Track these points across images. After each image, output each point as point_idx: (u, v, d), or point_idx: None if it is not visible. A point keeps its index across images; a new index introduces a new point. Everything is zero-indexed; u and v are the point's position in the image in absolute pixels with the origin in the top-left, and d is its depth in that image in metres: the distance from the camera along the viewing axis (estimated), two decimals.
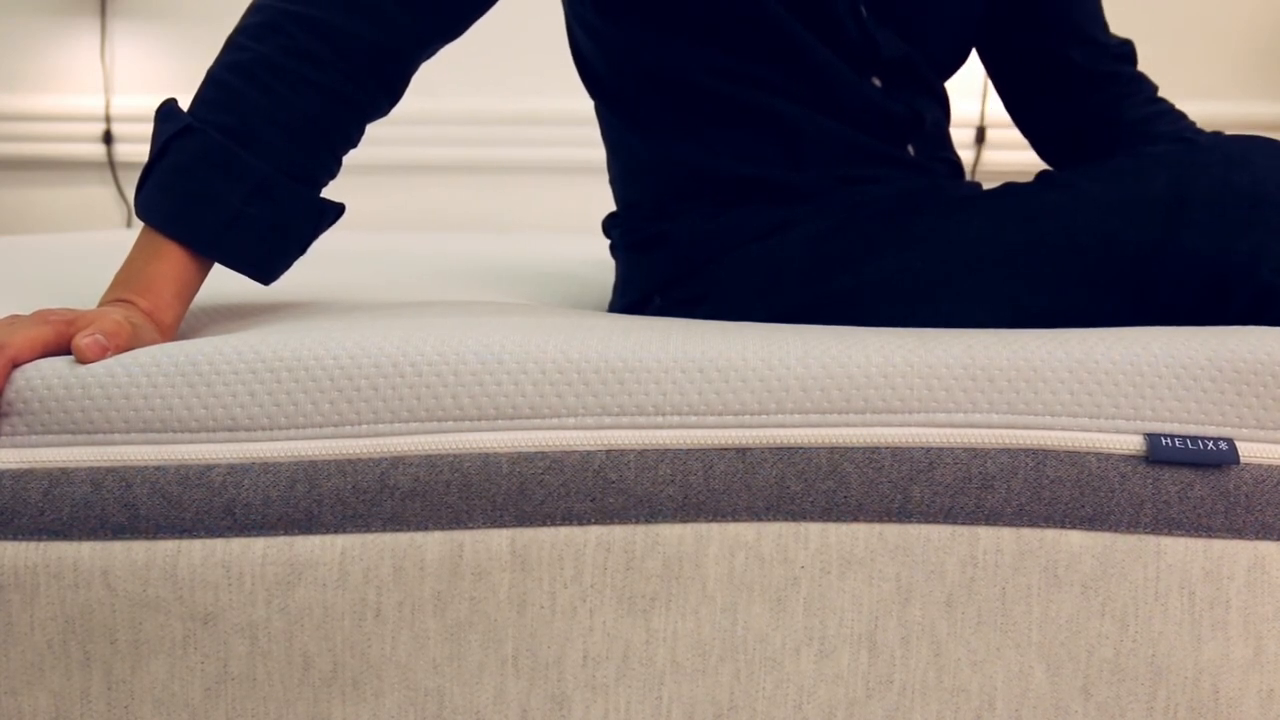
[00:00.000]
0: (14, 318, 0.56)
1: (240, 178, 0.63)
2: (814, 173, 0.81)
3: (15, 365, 0.53)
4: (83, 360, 0.54)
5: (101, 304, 0.62)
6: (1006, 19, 0.93)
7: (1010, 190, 0.75)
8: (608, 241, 0.95)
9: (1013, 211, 0.72)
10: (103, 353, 0.54)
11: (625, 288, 0.90)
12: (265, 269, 0.66)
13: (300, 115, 0.66)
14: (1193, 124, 0.94)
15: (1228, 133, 0.92)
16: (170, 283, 0.62)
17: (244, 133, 0.64)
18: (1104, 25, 0.95)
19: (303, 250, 0.68)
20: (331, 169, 0.69)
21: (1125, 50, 0.95)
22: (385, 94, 0.71)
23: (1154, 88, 0.96)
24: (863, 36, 0.81)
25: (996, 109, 2.21)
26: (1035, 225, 0.70)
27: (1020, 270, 0.70)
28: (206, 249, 0.63)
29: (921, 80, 0.86)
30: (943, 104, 0.90)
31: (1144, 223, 0.66)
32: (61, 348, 0.55)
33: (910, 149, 0.85)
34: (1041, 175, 0.76)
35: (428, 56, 0.75)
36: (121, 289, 0.62)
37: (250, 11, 0.69)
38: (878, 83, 0.82)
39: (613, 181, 0.93)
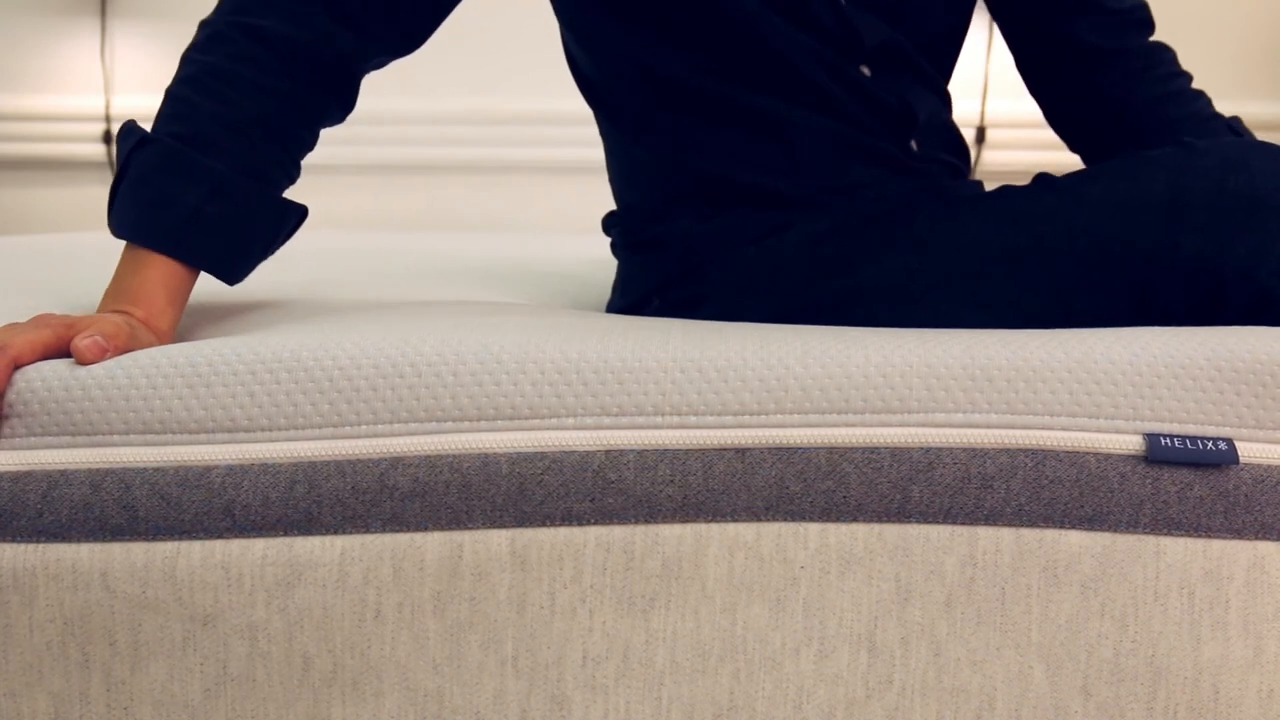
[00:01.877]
0: (13, 324, 0.57)
1: (199, 180, 0.64)
2: (809, 179, 0.81)
3: (16, 367, 0.54)
4: (82, 361, 0.54)
5: None
6: None
7: (1008, 193, 0.75)
8: (608, 239, 0.95)
9: (1011, 214, 0.72)
10: (102, 354, 0.54)
11: (625, 288, 0.90)
12: (229, 268, 0.67)
13: (251, 118, 0.67)
14: (1207, 105, 0.91)
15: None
16: (160, 290, 0.63)
17: (199, 138, 0.65)
18: None
19: (268, 252, 0.69)
20: (290, 171, 0.70)
21: (1136, 16, 0.90)
22: (335, 99, 0.73)
23: (1169, 59, 0.92)
24: (841, 25, 0.80)
25: (996, 109, 2.21)
26: (1033, 227, 0.70)
27: (1018, 272, 0.70)
28: (171, 249, 0.64)
29: (913, 67, 0.85)
30: (941, 94, 0.89)
31: (1142, 225, 0.67)
32: (61, 350, 0.56)
33: (913, 144, 0.85)
34: (1039, 178, 0.76)
35: (377, 68, 0.76)
36: (113, 301, 0.63)
37: (199, 28, 0.71)
38: (866, 71, 0.82)
39: (611, 181, 0.93)
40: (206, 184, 0.64)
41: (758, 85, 0.80)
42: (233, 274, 0.67)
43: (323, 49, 0.70)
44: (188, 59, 0.69)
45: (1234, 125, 0.89)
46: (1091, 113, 0.93)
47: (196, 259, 0.65)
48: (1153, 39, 0.92)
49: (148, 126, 0.67)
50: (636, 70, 0.83)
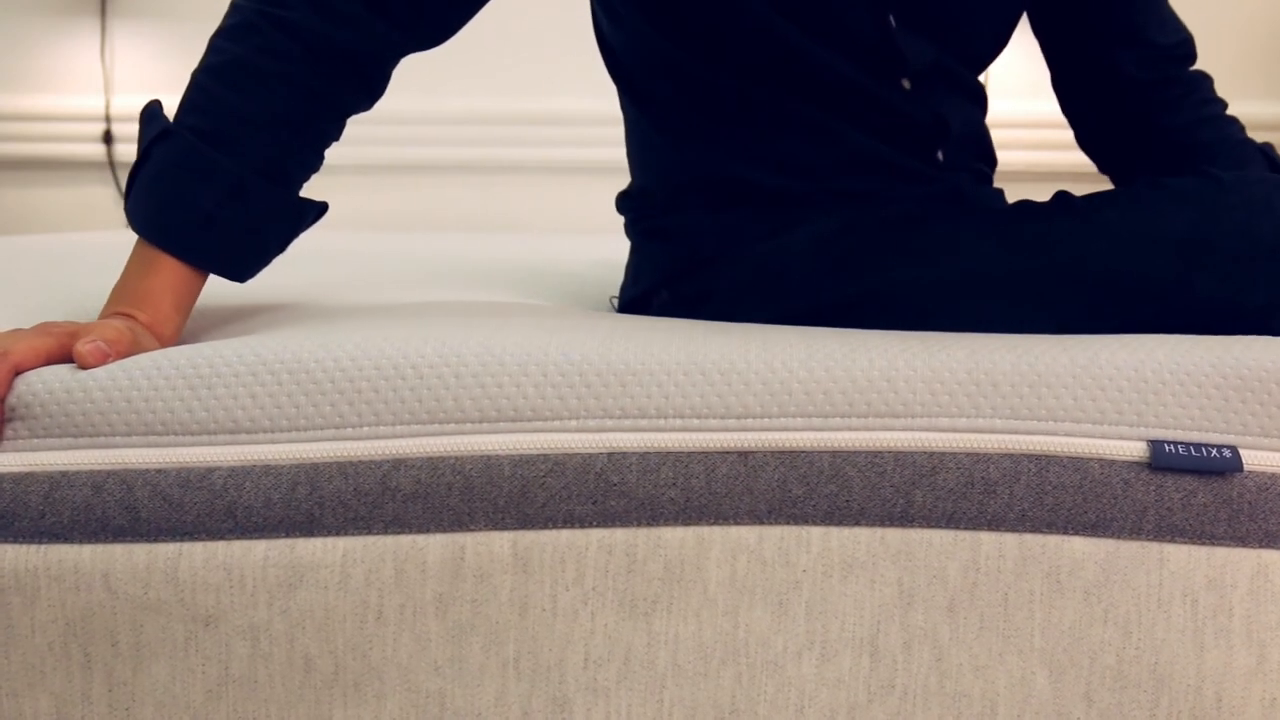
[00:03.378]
0: (16, 331, 0.57)
1: (216, 182, 0.63)
2: (824, 184, 0.80)
3: (18, 373, 0.54)
4: (84, 365, 0.54)
5: (101, 318, 0.62)
6: (1054, 18, 0.91)
7: (1024, 210, 0.74)
8: (618, 226, 0.94)
9: (1024, 235, 0.71)
10: (104, 358, 0.54)
11: (637, 275, 0.89)
12: (240, 269, 0.66)
13: (276, 114, 0.66)
14: (1239, 130, 0.90)
15: None
16: (168, 295, 0.63)
17: (219, 134, 0.64)
18: (1161, 24, 0.90)
19: (282, 249, 0.68)
20: (312, 164, 0.70)
21: (1180, 51, 0.90)
22: (364, 92, 0.72)
23: (1206, 85, 0.91)
24: (888, 48, 0.79)
25: (997, 109, 2.21)
26: (1046, 252, 0.69)
27: (1029, 296, 0.69)
28: (181, 251, 0.64)
29: (954, 79, 0.84)
30: (977, 98, 0.88)
31: (1159, 261, 0.65)
32: (64, 357, 0.56)
33: (940, 154, 0.84)
34: (1058, 196, 0.74)
35: (406, 54, 0.75)
36: (119, 303, 0.62)
37: (229, 14, 0.70)
38: (906, 85, 0.81)
39: (629, 157, 0.92)
40: (223, 186, 0.63)
41: (776, 88, 0.79)
42: (243, 275, 0.67)
43: (353, 41, 0.69)
44: (215, 46, 0.68)
45: (1267, 150, 0.87)
46: (1121, 135, 0.92)
47: (206, 262, 0.64)
48: (1193, 69, 0.91)
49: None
50: (658, 55, 0.83)
